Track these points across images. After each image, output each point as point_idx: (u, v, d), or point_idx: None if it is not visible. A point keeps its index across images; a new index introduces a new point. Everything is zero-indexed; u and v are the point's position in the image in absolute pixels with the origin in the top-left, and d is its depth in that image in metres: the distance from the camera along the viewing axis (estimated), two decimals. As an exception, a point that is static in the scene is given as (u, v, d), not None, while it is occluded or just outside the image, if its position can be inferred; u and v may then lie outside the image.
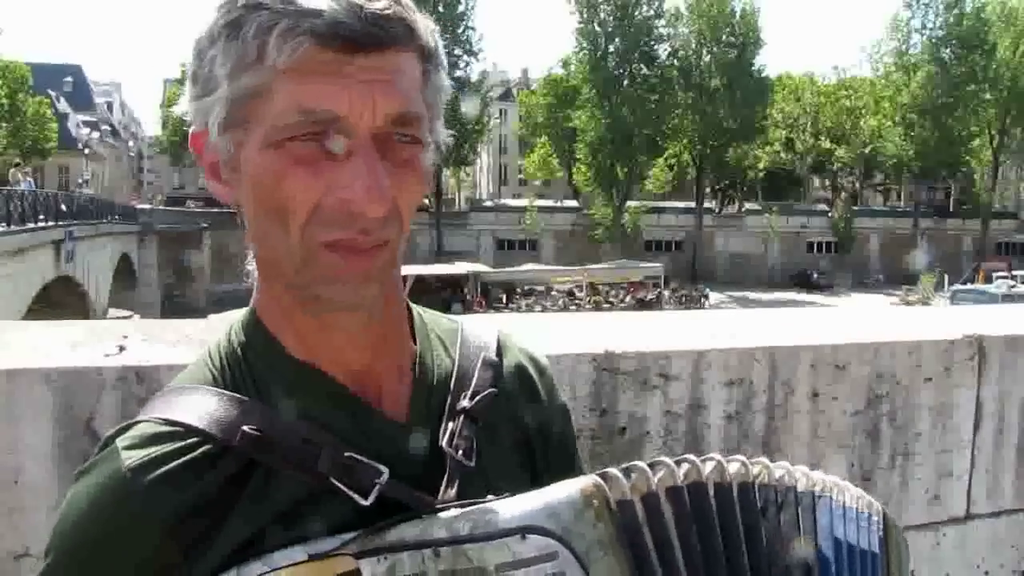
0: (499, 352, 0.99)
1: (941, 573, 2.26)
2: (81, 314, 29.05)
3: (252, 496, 0.80)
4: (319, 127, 0.76)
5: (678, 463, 0.84)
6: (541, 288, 43.27)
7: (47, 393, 1.44)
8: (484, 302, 38.88)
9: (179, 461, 0.79)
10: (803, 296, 51.68)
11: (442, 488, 0.84)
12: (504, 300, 40.80)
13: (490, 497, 0.80)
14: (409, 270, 39.07)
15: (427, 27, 0.82)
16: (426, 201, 63.24)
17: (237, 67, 0.77)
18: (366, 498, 0.80)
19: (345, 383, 0.87)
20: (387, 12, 0.77)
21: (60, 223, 28.86)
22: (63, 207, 30.45)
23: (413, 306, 0.98)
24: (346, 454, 0.81)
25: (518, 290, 42.69)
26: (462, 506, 0.79)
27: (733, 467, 0.86)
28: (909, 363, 2.18)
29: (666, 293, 43.83)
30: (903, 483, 2.20)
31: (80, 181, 63.64)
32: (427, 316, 1.00)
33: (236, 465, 0.80)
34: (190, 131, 0.85)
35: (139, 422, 0.82)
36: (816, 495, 0.88)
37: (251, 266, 0.89)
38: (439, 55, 0.85)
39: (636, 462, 0.83)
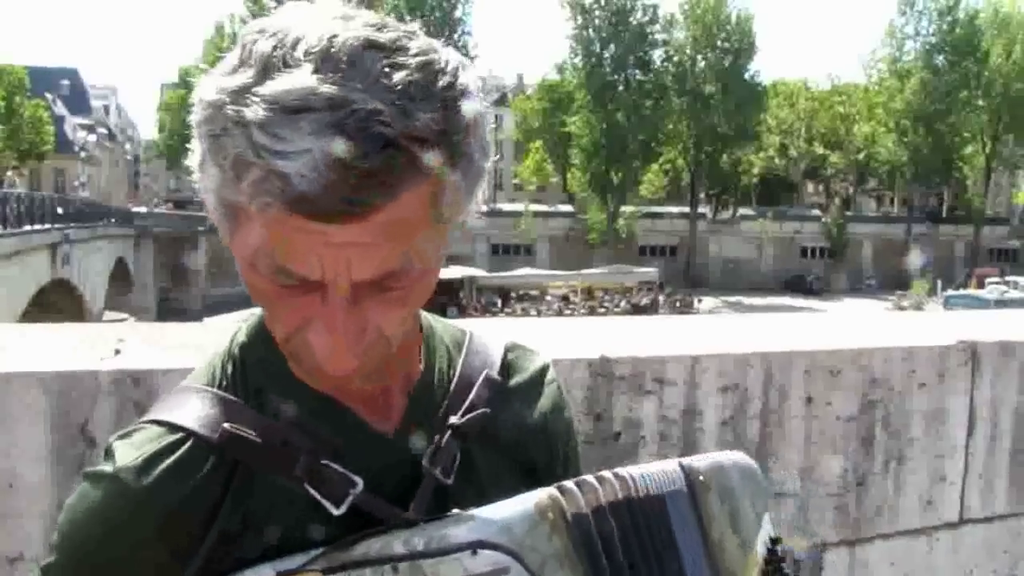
0: (505, 367, 0.98)
1: (935, 578, 2.27)
2: (77, 317, 28.95)
3: (234, 496, 0.81)
4: (293, 282, 0.73)
5: (616, 476, 0.83)
6: (536, 293, 43.24)
7: (42, 397, 1.44)
8: (479, 307, 38.85)
9: (169, 460, 0.80)
10: (797, 301, 51.74)
11: (413, 503, 0.84)
12: (499, 305, 40.74)
13: (454, 511, 0.80)
14: (404, 275, 38.94)
15: (452, 127, 0.72)
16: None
17: (220, 178, 0.72)
18: (339, 507, 0.80)
19: (341, 394, 0.86)
20: (376, 175, 0.67)
21: (56, 226, 28.78)
22: (59, 210, 30.36)
23: (424, 315, 0.96)
24: (322, 462, 0.81)
25: (513, 295, 42.63)
26: (426, 520, 0.79)
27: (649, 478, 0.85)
28: (903, 369, 2.18)
29: (661, 298, 43.83)
30: (897, 488, 2.20)
31: (76, 184, 63.53)
32: (437, 325, 0.98)
33: (222, 464, 0.81)
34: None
35: (139, 424, 0.84)
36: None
37: None
38: (466, 146, 0.74)
39: (585, 476, 0.82)
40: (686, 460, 0.90)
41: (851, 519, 2.15)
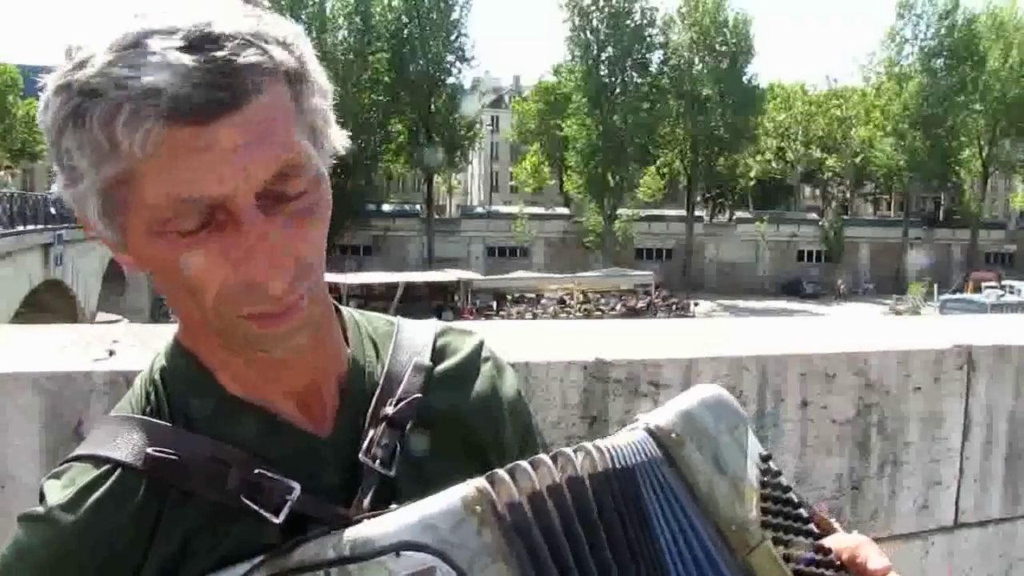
0: (436, 353, 0.97)
1: (929, 582, 2.27)
2: (70, 318, 28.89)
3: (169, 519, 0.79)
4: (199, 213, 0.72)
5: (554, 458, 0.81)
6: (532, 296, 43.24)
7: (36, 398, 1.44)
8: (474, 310, 38.84)
9: (97, 494, 0.78)
10: (794, 305, 51.81)
11: (355, 501, 0.82)
12: (495, 307, 40.75)
13: (392, 506, 0.78)
14: (399, 277, 39.03)
15: (286, 41, 0.75)
16: (418, 207, 63.50)
17: (95, 157, 0.72)
18: (278, 516, 0.79)
19: (273, 401, 0.86)
20: (232, 61, 0.69)
21: (49, 226, 28.73)
22: (52, 210, 30.29)
23: (346, 310, 0.97)
24: (256, 471, 0.80)
25: (509, 297, 42.64)
26: (370, 518, 0.78)
27: (600, 454, 0.83)
28: (898, 373, 2.18)
29: (657, 301, 43.87)
30: (892, 492, 2.20)
31: (70, 185, 63.41)
32: (361, 319, 0.98)
33: (152, 490, 0.79)
34: (76, 215, 0.81)
35: (67, 462, 0.83)
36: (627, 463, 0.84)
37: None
38: (308, 64, 0.77)
39: (519, 462, 0.80)
40: (651, 419, 0.86)
41: (846, 523, 2.14)
